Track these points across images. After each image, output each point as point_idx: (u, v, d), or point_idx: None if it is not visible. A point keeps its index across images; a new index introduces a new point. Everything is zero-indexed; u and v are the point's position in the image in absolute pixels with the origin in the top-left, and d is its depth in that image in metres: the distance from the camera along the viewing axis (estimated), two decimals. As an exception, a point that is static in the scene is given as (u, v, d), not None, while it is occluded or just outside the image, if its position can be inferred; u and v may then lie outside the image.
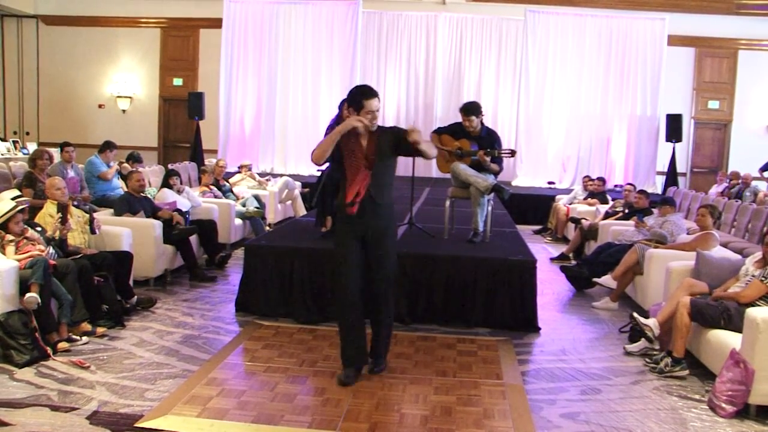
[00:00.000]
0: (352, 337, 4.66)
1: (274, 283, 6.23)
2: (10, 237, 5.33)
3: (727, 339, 4.72)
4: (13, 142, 14.82)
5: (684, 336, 5.04)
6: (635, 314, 5.58)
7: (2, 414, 3.93)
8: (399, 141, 4.56)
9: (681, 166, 15.12)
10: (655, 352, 5.37)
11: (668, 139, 14.56)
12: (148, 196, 8.00)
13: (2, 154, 13.35)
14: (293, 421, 4.01)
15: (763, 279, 4.87)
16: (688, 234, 7.28)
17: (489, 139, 6.82)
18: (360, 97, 4.52)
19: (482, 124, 6.85)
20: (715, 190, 13.37)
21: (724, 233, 9.21)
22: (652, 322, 5.37)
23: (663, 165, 14.93)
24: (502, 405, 4.37)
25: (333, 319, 5.95)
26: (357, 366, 4.70)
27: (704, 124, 15.69)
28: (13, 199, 5.54)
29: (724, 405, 4.38)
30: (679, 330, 5.05)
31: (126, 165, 9.73)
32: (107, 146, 9.24)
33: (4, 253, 5.21)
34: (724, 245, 7.21)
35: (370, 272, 4.66)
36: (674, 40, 14.98)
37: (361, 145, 4.58)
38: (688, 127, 15.24)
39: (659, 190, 14.42)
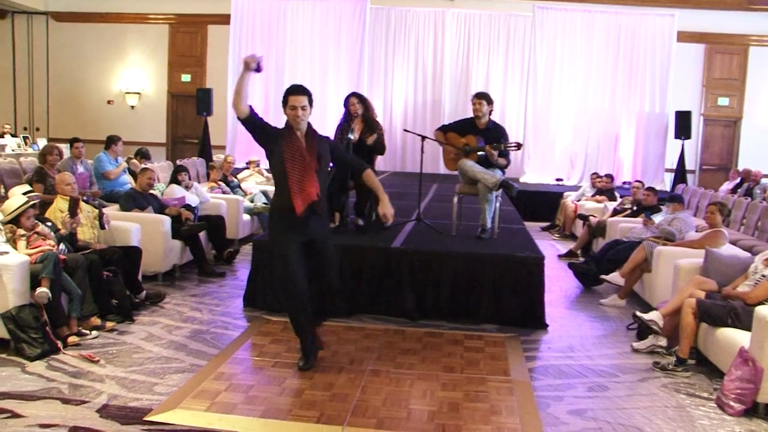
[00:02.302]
0: (306, 331, 4.75)
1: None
2: (21, 231, 5.37)
3: (735, 337, 4.71)
4: (24, 137, 14.90)
5: (689, 337, 5.03)
6: (638, 312, 5.58)
7: (15, 406, 3.97)
8: (330, 152, 4.71)
9: (690, 164, 15.07)
10: (661, 349, 5.37)
11: (677, 136, 14.50)
12: (156, 192, 8.03)
13: (13, 150, 13.43)
14: (301, 416, 4.03)
15: (772, 280, 4.85)
16: (696, 231, 7.26)
17: (495, 133, 6.83)
18: (286, 93, 4.58)
19: (489, 116, 6.87)
20: (726, 187, 13.31)
21: (734, 231, 9.17)
22: (654, 315, 5.37)
23: (672, 162, 14.88)
24: (510, 401, 4.38)
25: (341, 315, 5.99)
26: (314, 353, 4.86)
27: (714, 121, 15.62)
28: (24, 194, 5.58)
29: (732, 403, 4.37)
30: (683, 331, 5.05)
31: (134, 161, 9.75)
32: (111, 141, 9.23)
33: (15, 248, 5.25)
34: (734, 243, 7.18)
35: (317, 274, 4.70)
36: (684, 37, 14.93)
37: (300, 146, 4.54)
38: (697, 124, 15.18)
39: (668, 188, 14.37)
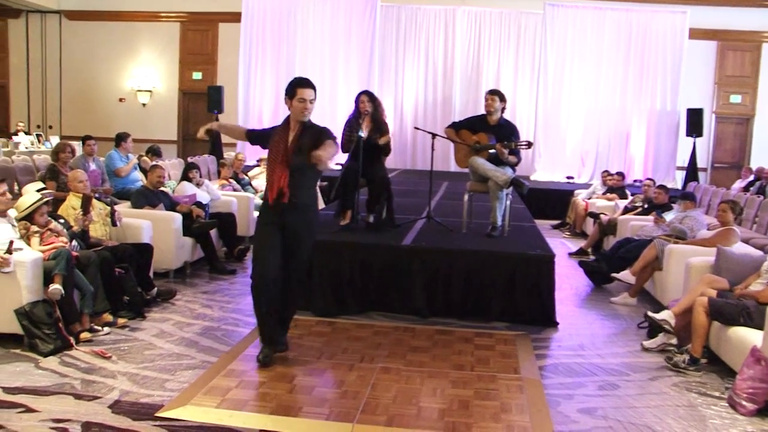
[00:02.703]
0: (266, 319, 4.77)
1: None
2: (35, 228, 5.42)
3: (747, 336, 4.69)
4: (37, 135, 15.01)
5: (701, 336, 5.01)
6: (649, 312, 5.57)
7: (28, 401, 4.01)
8: (316, 146, 4.57)
9: (701, 162, 14.97)
10: (672, 347, 5.35)
11: (689, 133, 14.42)
12: (167, 190, 8.06)
13: (26, 148, 13.53)
14: (311, 413, 4.04)
15: (785, 279, 4.82)
16: (708, 230, 7.23)
17: (507, 130, 6.84)
18: (294, 85, 4.61)
19: (501, 113, 6.88)
20: (738, 185, 13.22)
21: (746, 229, 9.12)
22: (666, 315, 5.35)
23: (683, 160, 14.79)
24: (520, 399, 4.38)
25: (352, 312, 6.02)
26: (273, 346, 4.83)
27: (726, 118, 15.53)
28: (37, 191, 5.62)
29: (744, 402, 4.35)
30: (695, 330, 5.03)
31: (145, 158, 9.80)
32: (121, 138, 9.26)
33: (29, 245, 5.29)
34: (746, 241, 7.14)
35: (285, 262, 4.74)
36: (696, 34, 14.83)
37: (287, 139, 4.63)
38: (709, 122, 15.09)
39: (679, 186, 14.30)
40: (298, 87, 4.60)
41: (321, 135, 4.61)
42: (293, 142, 4.61)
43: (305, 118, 4.63)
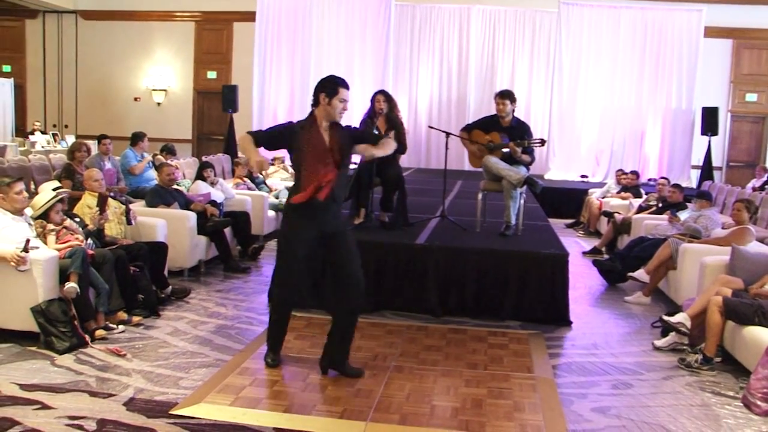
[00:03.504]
0: (284, 330, 4.79)
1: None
2: (51, 226, 5.46)
3: (762, 335, 4.66)
4: (53, 134, 15.15)
5: (715, 335, 4.98)
6: (664, 317, 5.54)
7: (44, 398, 4.05)
8: (353, 144, 4.58)
9: (716, 160, 14.85)
10: (684, 347, 5.33)
11: (704, 132, 14.32)
12: (181, 188, 8.10)
13: (42, 147, 13.65)
14: (325, 411, 4.06)
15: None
16: (723, 229, 7.18)
17: (519, 130, 6.82)
18: (335, 84, 4.50)
19: (513, 114, 6.86)
20: (753, 184, 13.12)
21: (761, 228, 9.05)
22: (682, 317, 5.33)
23: (698, 159, 14.69)
24: (533, 398, 4.37)
25: (365, 310, 5.96)
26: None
27: (741, 117, 15.39)
28: (53, 190, 5.67)
29: (759, 402, 4.32)
30: (710, 329, 5.00)
31: (159, 157, 9.85)
32: (137, 137, 9.35)
33: (45, 243, 5.34)
34: (761, 240, 7.09)
35: (337, 271, 4.60)
36: (711, 32, 14.71)
37: (323, 139, 4.48)
38: (724, 121, 14.97)
39: (694, 185, 14.21)
40: (341, 87, 4.47)
41: (363, 133, 4.82)
42: (335, 141, 4.49)
43: (341, 119, 4.56)
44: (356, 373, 4.61)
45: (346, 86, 4.55)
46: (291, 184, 10.72)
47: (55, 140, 14.72)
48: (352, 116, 14.06)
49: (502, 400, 4.31)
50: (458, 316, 6.10)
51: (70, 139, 13.85)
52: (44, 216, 5.49)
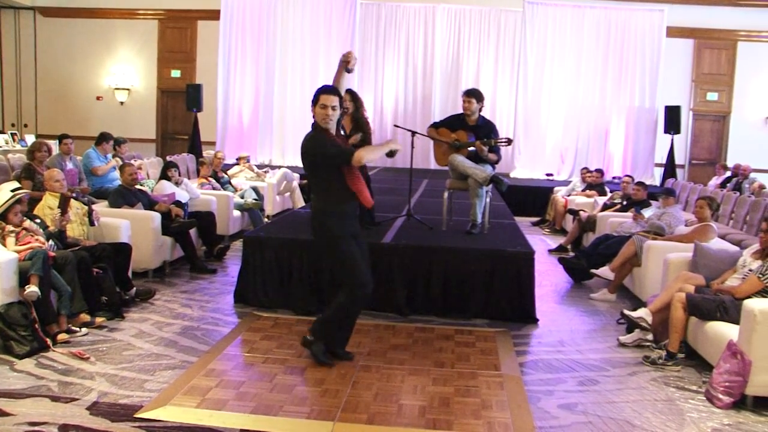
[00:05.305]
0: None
1: (272, 274, 6.25)
2: (10, 228, 5.34)
3: (724, 330, 4.73)
4: (12, 134, 14.81)
5: (678, 331, 5.06)
6: (625, 311, 5.61)
7: (3, 404, 3.95)
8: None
9: (679, 158, 15.11)
10: (649, 343, 5.40)
11: (666, 130, 14.54)
12: (145, 188, 7.99)
13: (1, 147, 13.34)
14: (292, 411, 4.03)
15: (760, 276, 4.86)
16: (686, 226, 7.29)
17: (486, 129, 6.85)
18: (317, 92, 4.68)
19: (479, 113, 6.88)
20: (714, 181, 13.36)
21: (723, 225, 9.22)
22: (643, 312, 5.40)
23: (661, 157, 14.92)
24: (500, 396, 4.39)
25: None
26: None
27: (703, 115, 15.66)
28: (12, 191, 5.55)
29: (721, 396, 4.40)
30: (673, 325, 5.08)
31: (118, 158, 9.68)
32: (104, 138, 9.22)
33: (4, 245, 5.22)
34: (722, 237, 7.22)
35: None
36: (673, 32, 14.97)
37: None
38: (686, 119, 15.23)
39: (657, 182, 14.42)
40: (321, 93, 4.65)
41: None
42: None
43: (328, 125, 4.65)
44: (350, 356, 4.95)
45: (329, 91, 4.68)
46: (256, 183, 10.72)
47: (14, 140, 14.40)
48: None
49: (469, 398, 4.33)
50: (425, 315, 6.10)
51: (30, 139, 13.56)
52: (2, 217, 5.36)
